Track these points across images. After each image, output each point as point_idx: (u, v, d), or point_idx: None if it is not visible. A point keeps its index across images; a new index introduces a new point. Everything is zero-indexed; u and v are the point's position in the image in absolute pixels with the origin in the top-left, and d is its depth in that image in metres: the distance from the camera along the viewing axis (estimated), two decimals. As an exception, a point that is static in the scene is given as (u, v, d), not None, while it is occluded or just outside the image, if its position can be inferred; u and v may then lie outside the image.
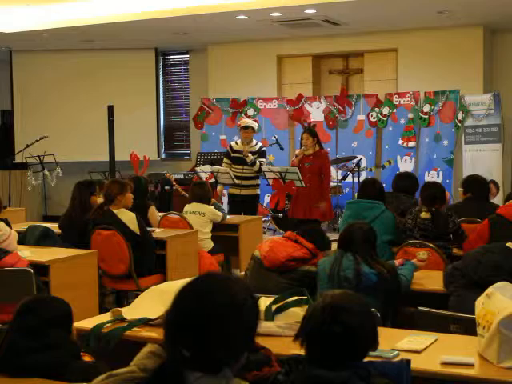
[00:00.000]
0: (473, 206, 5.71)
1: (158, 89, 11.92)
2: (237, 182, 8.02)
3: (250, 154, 8.04)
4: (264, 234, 8.56)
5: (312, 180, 7.58)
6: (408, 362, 2.26)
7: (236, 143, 8.34)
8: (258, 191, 8.39)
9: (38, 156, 10.34)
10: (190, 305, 1.64)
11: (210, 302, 1.63)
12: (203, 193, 6.64)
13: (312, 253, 4.16)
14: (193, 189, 6.76)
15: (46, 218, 11.28)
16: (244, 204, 8.10)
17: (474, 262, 3.66)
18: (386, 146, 10.20)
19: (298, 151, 7.85)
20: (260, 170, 8.13)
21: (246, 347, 1.70)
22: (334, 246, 4.58)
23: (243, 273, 4.53)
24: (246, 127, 8.18)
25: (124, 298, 6.11)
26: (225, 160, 8.37)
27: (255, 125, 8.42)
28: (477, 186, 5.83)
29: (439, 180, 9.24)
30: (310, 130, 7.87)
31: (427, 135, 9.84)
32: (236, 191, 8.18)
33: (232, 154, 8.25)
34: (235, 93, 10.86)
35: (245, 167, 8.07)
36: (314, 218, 7.56)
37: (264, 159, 8.25)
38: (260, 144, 8.36)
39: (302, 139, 7.72)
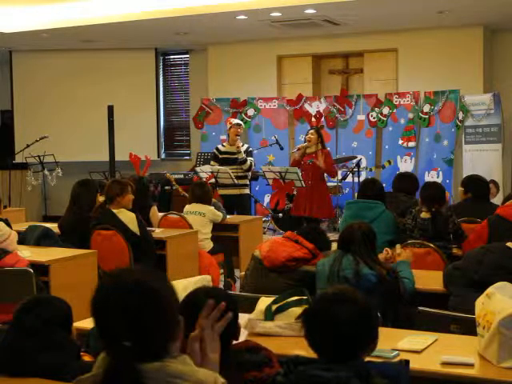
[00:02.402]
0: (473, 207, 5.71)
1: (158, 89, 11.92)
2: (236, 182, 8.08)
3: (241, 148, 8.26)
4: (264, 234, 8.57)
5: (314, 177, 7.73)
6: (407, 362, 2.25)
7: (223, 145, 8.52)
8: (248, 191, 8.48)
9: (38, 156, 10.33)
10: (118, 297, 1.72)
11: (135, 291, 1.72)
12: (203, 193, 6.64)
13: (312, 253, 4.16)
14: (193, 189, 6.77)
15: (46, 218, 11.28)
16: (235, 203, 8.20)
17: (474, 261, 3.66)
18: (386, 146, 10.20)
19: (300, 145, 8.02)
20: (250, 168, 8.31)
21: (173, 331, 1.77)
22: (334, 246, 4.58)
23: (243, 273, 4.52)
24: (238, 123, 8.52)
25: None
26: (212, 163, 8.46)
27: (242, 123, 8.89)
28: (477, 187, 5.83)
29: (439, 180, 9.23)
30: (317, 129, 8.16)
31: (427, 135, 9.84)
32: (225, 192, 8.26)
33: (220, 156, 8.34)
34: (235, 93, 10.86)
35: (231, 167, 8.12)
36: (315, 217, 7.70)
37: (252, 158, 8.44)
38: (246, 145, 8.61)
39: (306, 135, 8.02)
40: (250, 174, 8.47)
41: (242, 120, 10.62)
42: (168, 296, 1.77)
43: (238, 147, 8.24)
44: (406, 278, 3.92)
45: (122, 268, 1.82)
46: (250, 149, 8.54)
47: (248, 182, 8.51)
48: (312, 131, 8.00)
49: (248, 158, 8.27)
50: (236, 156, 8.22)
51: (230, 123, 8.59)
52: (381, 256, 4.10)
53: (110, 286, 1.76)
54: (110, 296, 1.73)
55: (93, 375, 1.74)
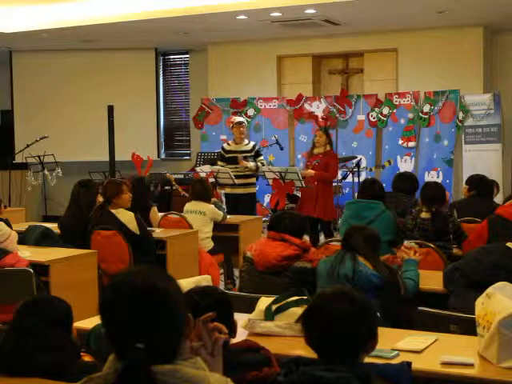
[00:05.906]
0: (476, 203, 5.75)
1: (158, 89, 11.92)
2: (237, 182, 8.05)
3: (247, 164, 8.10)
4: (264, 233, 8.55)
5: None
6: (409, 364, 2.25)
7: (228, 144, 8.43)
8: (254, 190, 8.43)
9: (38, 156, 10.33)
10: (129, 300, 1.69)
11: (147, 293, 1.69)
12: (204, 190, 6.62)
13: (302, 248, 4.13)
14: (194, 185, 6.74)
15: (46, 218, 11.27)
16: (240, 202, 8.16)
17: (474, 261, 3.67)
18: (386, 146, 10.20)
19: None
20: (257, 168, 8.24)
21: (184, 330, 1.75)
22: (334, 246, 4.57)
23: (243, 273, 4.51)
24: (239, 122, 8.32)
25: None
26: (219, 163, 8.40)
27: (245, 119, 8.61)
28: (482, 184, 5.89)
29: (439, 180, 9.23)
30: (326, 129, 8.09)
31: (427, 135, 9.84)
32: (230, 190, 8.23)
33: (226, 156, 8.29)
34: (235, 93, 10.86)
35: (239, 167, 8.10)
36: (317, 217, 7.72)
37: (262, 157, 8.37)
38: (252, 142, 8.47)
39: (315, 136, 7.93)
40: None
41: (241, 120, 10.64)
42: (176, 294, 1.74)
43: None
44: (411, 278, 3.92)
45: (126, 269, 1.80)
46: (258, 147, 8.41)
47: (254, 181, 8.41)
48: (320, 132, 7.87)
49: (258, 161, 8.17)
50: (243, 155, 8.16)
51: (232, 122, 8.51)
52: (382, 257, 4.10)
53: (116, 288, 1.72)
54: (117, 299, 1.69)
55: (105, 374, 1.71)
